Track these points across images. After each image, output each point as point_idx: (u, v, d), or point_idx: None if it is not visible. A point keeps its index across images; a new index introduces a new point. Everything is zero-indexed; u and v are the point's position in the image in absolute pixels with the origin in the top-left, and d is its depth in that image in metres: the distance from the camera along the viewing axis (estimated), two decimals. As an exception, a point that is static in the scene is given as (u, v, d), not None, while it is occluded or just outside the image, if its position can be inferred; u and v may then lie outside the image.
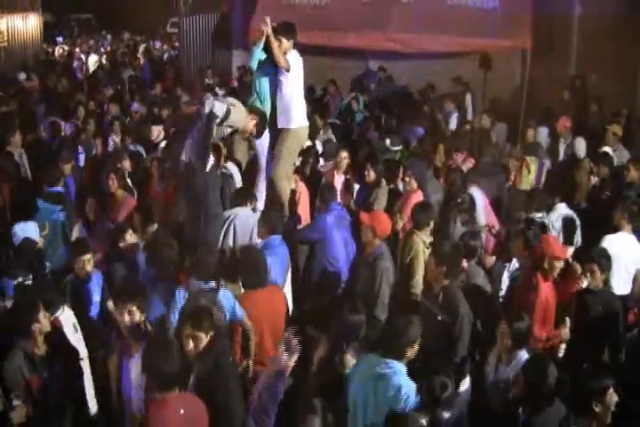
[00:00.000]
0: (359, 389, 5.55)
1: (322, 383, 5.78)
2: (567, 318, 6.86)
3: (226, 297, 6.67)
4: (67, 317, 6.53)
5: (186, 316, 5.78)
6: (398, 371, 5.45)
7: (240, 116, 8.52)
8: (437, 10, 15.62)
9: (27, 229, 8.40)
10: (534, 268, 7.32)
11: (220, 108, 8.23)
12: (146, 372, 5.02)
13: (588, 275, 7.26)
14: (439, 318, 6.55)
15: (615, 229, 8.43)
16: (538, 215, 9.11)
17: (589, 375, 5.74)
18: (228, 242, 8.22)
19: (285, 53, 8.83)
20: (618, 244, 8.06)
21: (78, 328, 6.61)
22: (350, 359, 5.80)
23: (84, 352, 6.45)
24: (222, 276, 7.26)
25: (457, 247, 7.17)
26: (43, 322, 5.65)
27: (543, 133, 12.90)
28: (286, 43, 8.86)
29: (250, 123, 8.68)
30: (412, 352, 5.60)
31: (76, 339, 6.46)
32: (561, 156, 12.33)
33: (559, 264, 7.20)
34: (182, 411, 4.79)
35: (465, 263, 7.52)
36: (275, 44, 8.72)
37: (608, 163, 10.80)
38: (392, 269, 7.68)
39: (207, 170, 8.40)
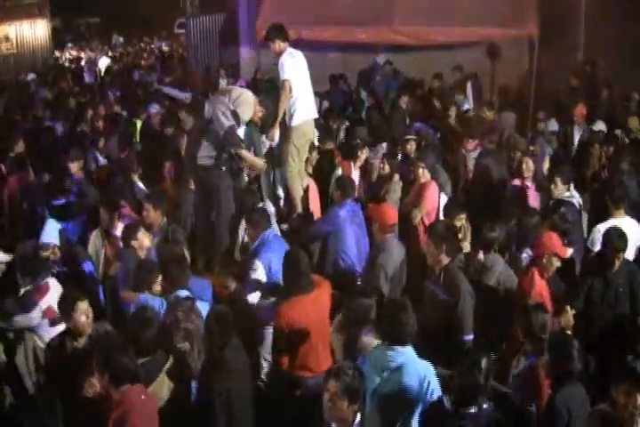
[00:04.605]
0: (372, 384, 5.43)
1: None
2: (568, 307, 6.92)
3: (202, 306, 6.68)
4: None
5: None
6: (409, 357, 5.41)
7: (247, 108, 8.60)
8: (443, 1, 15.56)
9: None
10: (532, 263, 7.35)
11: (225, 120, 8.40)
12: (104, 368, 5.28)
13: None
14: (441, 297, 6.62)
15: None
16: (566, 194, 9.00)
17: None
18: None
19: (282, 52, 9.09)
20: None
21: None
22: (370, 341, 5.78)
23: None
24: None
25: (450, 226, 7.29)
26: None
27: (553, 122, 12.85)
28: (281, 43, 9.16)
29: (257, 114, 8.78)
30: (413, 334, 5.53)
31: None
32: (576, 143, 12.25)
33: (557, 262, 7.14)
34: (143, 396, 5.26)
35: (481, 255, 7.55)
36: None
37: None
38: (396, 261, 7.75)
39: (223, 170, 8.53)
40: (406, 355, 5.43)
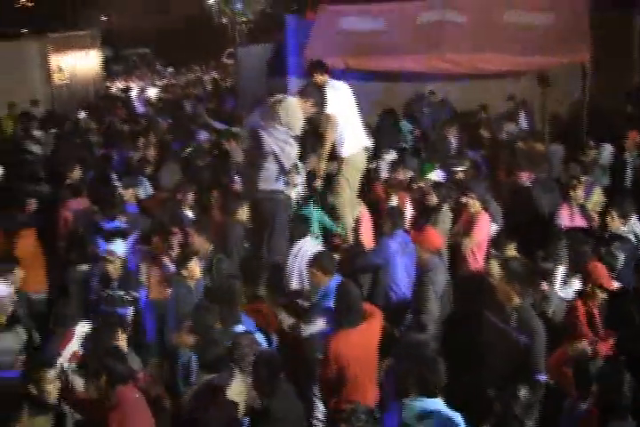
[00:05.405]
0: None
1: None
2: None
3: (261, 338, 6.71)
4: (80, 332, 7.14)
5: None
6: (436, 409, 5.33)
7: (298, 117, 8.64)
8: (493, 29, 15.43)
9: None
10: (578, 293, 7.34)
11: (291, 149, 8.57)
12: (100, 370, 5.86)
13: None
14: (516, 337, 6.47)
15: None
16: (622, 229, 8.89)
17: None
18: (301, 280, 8.24)
19: (323, 86, 9.16)
20: None
21: None
22: None
23: None
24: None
25: (527, 266, 7.11)
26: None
27: (607, 150, 12.67)
28: (321, 77, 9.29)
29: (306, 108, 8.80)
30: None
31: None
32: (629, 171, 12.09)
33: (602, 294, 7.09)
34: (137, 395, 5.91)
35: (544, 285, 7.50)
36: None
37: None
38: (443, 281, 7.81)
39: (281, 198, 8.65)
40: (434, 406, 5.37)
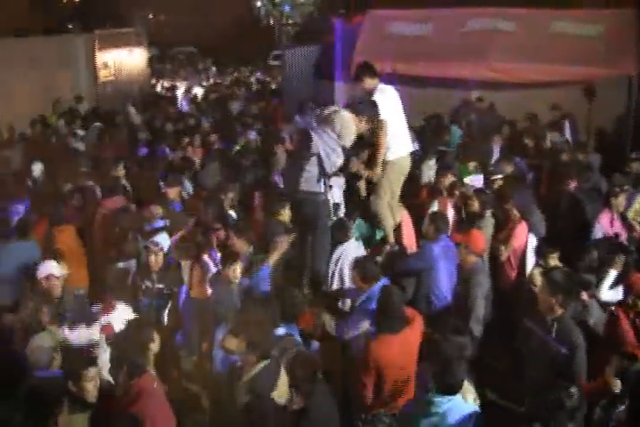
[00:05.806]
0: None
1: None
2: None
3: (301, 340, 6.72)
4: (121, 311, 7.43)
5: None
6: (453, 405, 5.38)
7: (350, 131, 8.64)
8: (540, 39, 15.40)
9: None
10: (619, 302, 7.34)
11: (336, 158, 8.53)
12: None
13: None
14: (556, 348, 6.43)
15: None
16: None
17: None
18: (343, 282, 8.29)
19: (373, 90, 9.09)
20: None
21: None
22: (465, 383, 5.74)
23: None
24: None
25: (571, 277, 7.01)
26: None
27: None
28: (371, 81, 9.16)
29: (360, 126, 8.78)
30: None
31: None
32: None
33: None
34: (155, 385, 6.09)
35: (585, 295, 7.46)
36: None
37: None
38: (487, 284, 7.89)
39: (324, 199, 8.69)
40: (452, 402, 5.41)
